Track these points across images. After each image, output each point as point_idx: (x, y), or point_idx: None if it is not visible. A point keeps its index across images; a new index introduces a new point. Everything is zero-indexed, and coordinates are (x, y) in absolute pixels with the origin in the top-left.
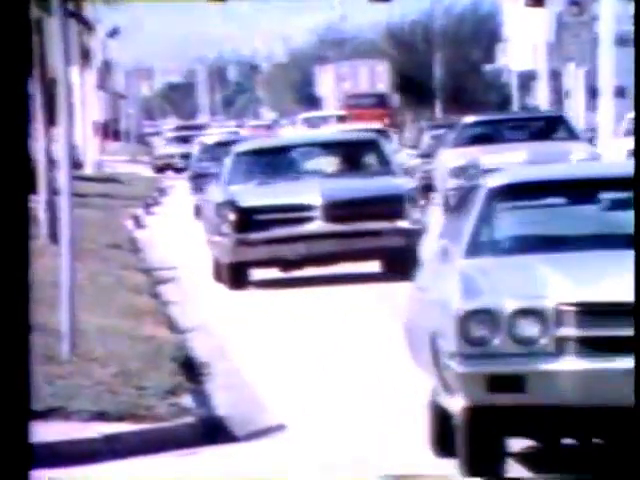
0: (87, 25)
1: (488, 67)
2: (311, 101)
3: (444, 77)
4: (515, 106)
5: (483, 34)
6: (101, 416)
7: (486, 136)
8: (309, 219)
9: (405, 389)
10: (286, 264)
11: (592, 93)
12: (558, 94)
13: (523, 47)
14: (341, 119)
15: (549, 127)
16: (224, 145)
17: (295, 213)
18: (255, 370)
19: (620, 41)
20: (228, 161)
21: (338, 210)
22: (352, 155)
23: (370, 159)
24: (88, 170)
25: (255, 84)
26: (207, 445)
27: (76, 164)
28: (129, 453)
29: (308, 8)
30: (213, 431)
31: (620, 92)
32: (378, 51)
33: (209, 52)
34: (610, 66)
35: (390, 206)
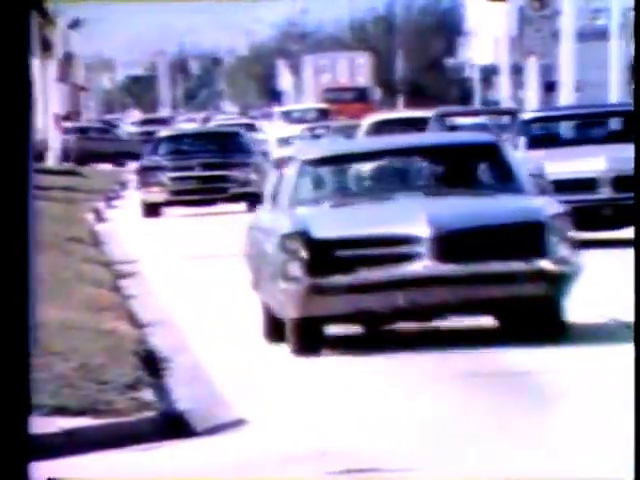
0: (48, 17)
1: (450, 61)
2: (274, 95)
3: (406, 71)
4: (477, 100)
5: (445, 28)
6: (61, 410)
7: (551, 137)
8: (411, 257)
9: None
10: (376, 319)
11: (548, 87)
12: (521, 88)
13: (485, 41)
14: (323, 113)
15: (628, 125)
16: (178, 138)
17: (392, 248)
18: (216, 364)
19: (579, 36)
20: (291, 173)
21: (453, 244)
22: (463, 165)
23: (488, 170)
24: (49, 162)
25: (217, 77)
26: (168, 439)
27: (37, 156)
28: (90, 448)
29: (270, 1)
30: (174, 425)
31: (558, 86)
32: (341, 45)
33: (171, 45)
34: (571, 60)
35: (526, 239)
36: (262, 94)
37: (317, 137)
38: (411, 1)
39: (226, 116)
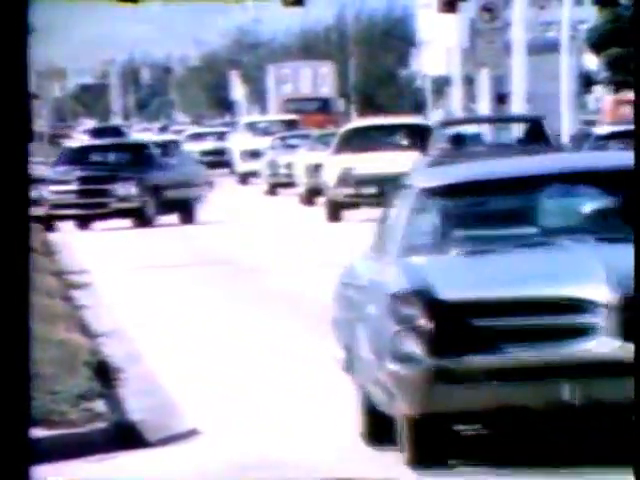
0: None
1: (403, 72)
2: (225, 105)
3: (359, 82)
4: (429, 111)
5: (397, 39)
6: None
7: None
8: (584, 331)
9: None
10: (530, 419)
11: (500, 99)
12: (472, 99)
13: (437, 52)
14: (291, 124)
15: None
16: (89, 150)
17: (554, 317)
18: (169, 374)
19: (531, 48)
20: (403, 207)
21: None
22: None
23: None
24: None
25: (168, 87)
26: (120, 450)
27: None
28: (42, 459)
29: (221, 11)
30: (126, 436)
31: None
32: (292, 55)
33: (122, 54)
34: (522, 72)
35: None
36: (214, 104)
37: (291, 147)
38: (361, 12)
39: (179, 126)
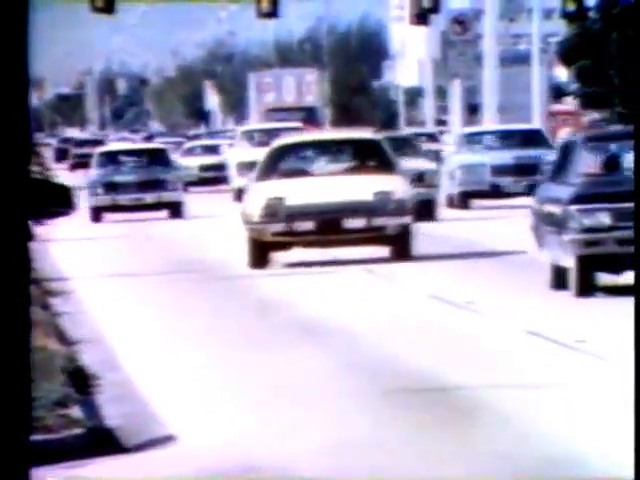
0: None
1: (376, 83)
2: (200, 115)
3: (333, 93)
4: (402, 121)
5: (370, 51)
6: None
7: None
8: None
9: None
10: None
11: (471, 109)
12: (444, 110)
13: (410, 64)
14: (295, 132)
15: None
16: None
17: None
18: (146, 381)
19: (502, 60)
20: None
21: None
22: None
23: None
24: None
25: (144, 97)
26: (97, 456)
27: None
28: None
29: (197, 23)
30: (103, 442)
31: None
32: (266, 66)
33: (98, 64)
34: (494, 83)
35: None
36: (189, 114)
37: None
38: (335, 24)
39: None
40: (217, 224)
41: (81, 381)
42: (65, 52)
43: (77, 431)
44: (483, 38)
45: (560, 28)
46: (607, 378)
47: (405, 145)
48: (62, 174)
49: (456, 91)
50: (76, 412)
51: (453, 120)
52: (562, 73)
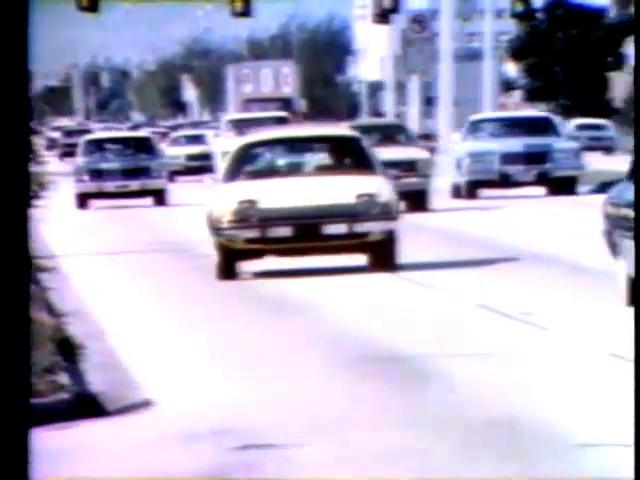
0: None
1: (341, 78)
2: (178, 106)
3: (302, 86)
4: (364, 113)
5: (336, 47)
6: None
7: None
8: None
9: None
10: None
11: (427, 102)
12: (404, 103)
13: (372, 59)
14: (281, 121)
15: None
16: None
17: None
18: (127, 350)
19: (457, 57)
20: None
21: None
22: None
23: None
24: None
25: (126, 89)
26: (82, 419)
27: None
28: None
29: (176, 21)
30: (87, 406)
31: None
32: (240, 60)
33: (84, 58)
34: (449, 78)
35: None
36: (167, 105)
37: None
38: (305, 23)
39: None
40: (199, 211)
41: (68, 350)
42: (53, 47)
43: (64, 396)
44: (439, 36)
45: (511, 27)
46: None
47: (395, 132)
48: (52, 162)
49: (414, 85)
50: (63, 378)
51: (411, 112)
52: (511, 69)
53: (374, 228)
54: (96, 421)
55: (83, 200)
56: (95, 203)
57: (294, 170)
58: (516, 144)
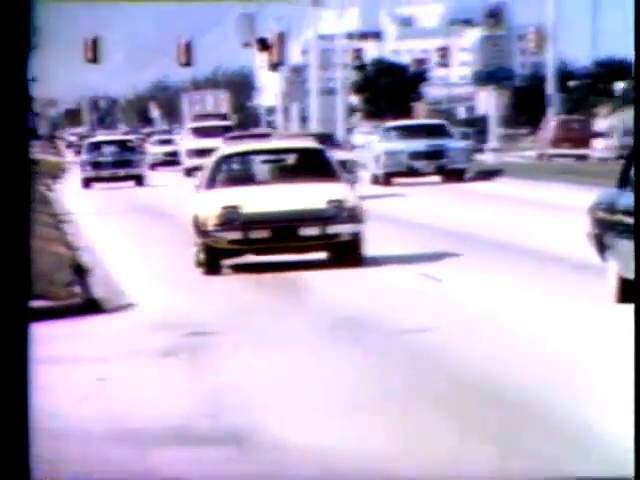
0: None
1: (249, 104)
2: (147, 120)
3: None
4: (263, 126)
5: (247, 84)
6: None
7: None
8: None
9: None
10: None
11: (302, 121)
12: (288, 121)
13: (269, 93)
14: (227, 129)
15: None
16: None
17: None
18: (119, 272)
19: (321, 91)
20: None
21: None
22: None
23: None
24: None
25: (116, 111)
26: (89, 315)
27: None
28: (42, 318)
29: (148, 67)
30: (92, 306)
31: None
32: (186, 92)
33: (89, 91)
34: (316, 105)
35: None
36: (141, 120)
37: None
38: (227, 69)
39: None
40: (168, 190)
41: (80, 271)
42: (69, 84)
43: (77, 300)
44: (309, 80)
45: (352, 74)
46: None
47: (327, 139)
48: (69, 156)
49: (295, 109)
50: (77, 289)
51: (292, 126)
52: (354, 99)
53: (343, 230)
54: (97, 316)
55: (87, 183)
56: (95, 185)
57: (269, 178)
58: (420, 144)
